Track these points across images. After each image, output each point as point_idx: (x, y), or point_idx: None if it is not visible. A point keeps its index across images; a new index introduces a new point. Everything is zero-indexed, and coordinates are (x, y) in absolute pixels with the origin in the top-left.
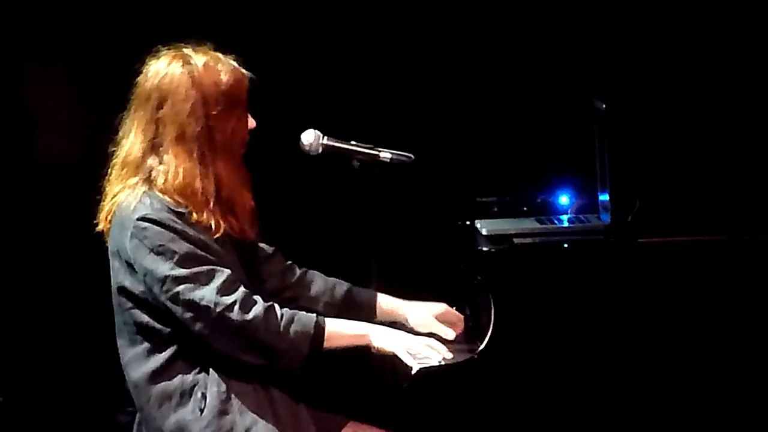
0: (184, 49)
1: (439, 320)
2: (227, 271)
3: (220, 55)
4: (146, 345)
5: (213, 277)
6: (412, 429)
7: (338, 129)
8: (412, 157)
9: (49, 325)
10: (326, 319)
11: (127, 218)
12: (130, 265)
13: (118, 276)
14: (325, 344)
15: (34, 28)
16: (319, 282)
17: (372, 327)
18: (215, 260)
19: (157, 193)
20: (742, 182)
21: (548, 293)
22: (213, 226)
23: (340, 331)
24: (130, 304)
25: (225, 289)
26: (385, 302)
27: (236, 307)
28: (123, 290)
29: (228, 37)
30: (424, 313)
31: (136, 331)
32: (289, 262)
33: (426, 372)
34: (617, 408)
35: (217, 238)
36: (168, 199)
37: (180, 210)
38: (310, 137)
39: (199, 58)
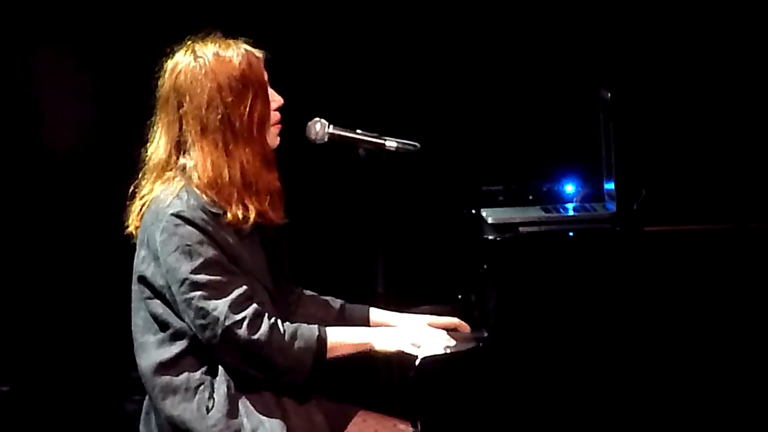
0: (194, 44)
1: (434, 325)
2: (244, 287)
3: (230, 41)
4: (159, 336)
5: (229, 289)
6: (420, 417)
7: (344, 118)
8: (418, 145)
9: (54, 315)
10: (328, 330)
11: (161, 211)
12: (156, 257)
13: (141, 264)
14: (328, 355)
15: (42, 19)
16: (313, 300)
17: (372, 332)
18: (237, 271)
19: (195, 189)
20: (747, 171)
21: (553, 282)
22: (241, 218)
23: (342, 341)
24: (147, 294)
25: (238, 305)
26: (377, 315)
27: (245, 324)
28: (143, 279)
29: (232, 28)
30: (417, 322)
31: (150, 321)
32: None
33: (431, 360)
34: (622, 396)
35: (247, 238)
36: (205, 197)
37: (215, 210)
38: (316, 126)
39: (209, 49)
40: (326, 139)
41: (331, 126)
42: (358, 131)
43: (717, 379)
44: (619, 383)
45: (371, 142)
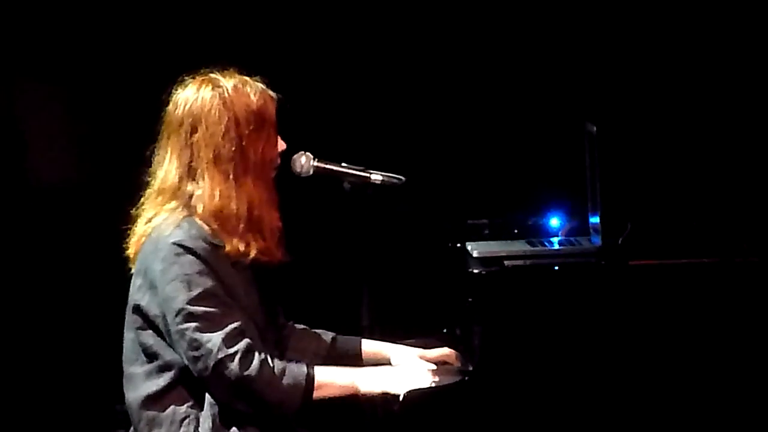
0: (210, 74)
1: (425, 359)
2: (238, 321)
3: (247, 77)
4: (146, 367)
5: (224, 323)
6: None
7: (329, 151)
8: (403, 179)
9: (40, 347)
10: (316, 369)
11: (162, 240)
12: (152, 287)
13: (137, 293)
14: (315, 394)
15: (27, 48)
16: (305, 334)
17: (358, 374)
18: (233, 304)
19: (197, 220)
20: (732, 205)
21: (539, 316)
22: (242, 251)
23: (329, 381)
24: (140, 324)
25: (231, 339)
26: (369, 346)
27: (237, 358)
28: (137, 309)
29: (219, 59)
30: (408, 353)
31: (140, 351)
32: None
33: (417, 394)
34: (608, 428)
35: (242, 274)
36: (206, 228)
37: (216, 242)
38: (301, 159)
39: (228, 81)
40: (311, 172)
41: (316, 159)
42: (343, 164)
43: (704, 412)
44: (605, 416)
45: (356, 175)
